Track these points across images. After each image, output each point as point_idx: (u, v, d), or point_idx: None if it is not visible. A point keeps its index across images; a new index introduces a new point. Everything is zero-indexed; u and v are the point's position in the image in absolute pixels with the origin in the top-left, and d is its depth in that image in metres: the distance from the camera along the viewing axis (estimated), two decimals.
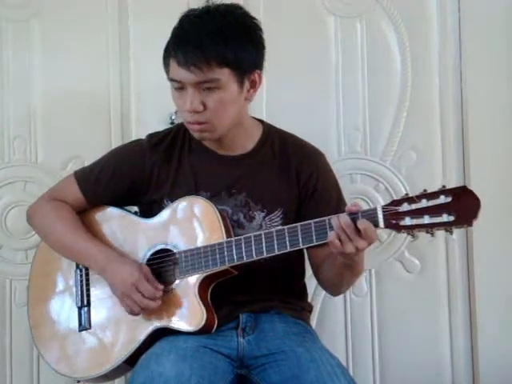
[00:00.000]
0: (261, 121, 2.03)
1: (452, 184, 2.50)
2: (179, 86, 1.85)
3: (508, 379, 2.52)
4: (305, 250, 1.97)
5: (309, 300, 2.09)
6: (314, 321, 2.39)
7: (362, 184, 2.58)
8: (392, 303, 2.58)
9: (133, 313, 1.85)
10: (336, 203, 1.95)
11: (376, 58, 2.58)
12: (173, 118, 2.48)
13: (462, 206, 1.62)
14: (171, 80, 1.86)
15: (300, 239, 1.75)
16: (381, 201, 2.57)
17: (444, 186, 1.65)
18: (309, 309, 2.06)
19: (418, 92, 2.58)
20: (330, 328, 2.54)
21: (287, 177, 1.96)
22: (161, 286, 1.85)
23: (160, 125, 2.36)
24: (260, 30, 1.89)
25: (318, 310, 2.51)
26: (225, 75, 1.82)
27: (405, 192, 2.54)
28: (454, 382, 2.58)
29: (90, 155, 2.20)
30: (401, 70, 2.58)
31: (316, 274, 1.98)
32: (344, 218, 1.69)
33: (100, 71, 2.53)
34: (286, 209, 1.93)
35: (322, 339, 1.98)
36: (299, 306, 2.01)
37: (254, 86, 1.89)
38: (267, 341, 1.86)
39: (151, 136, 2.03)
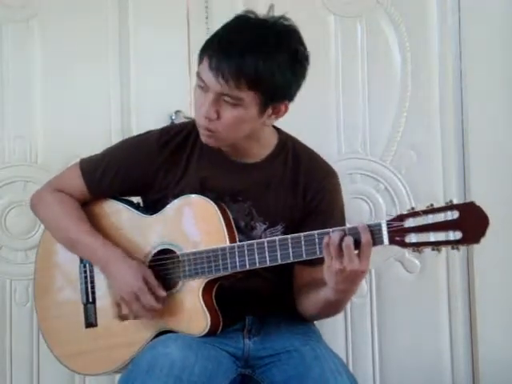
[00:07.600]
0: (277, 128, 1.94)
1: (452, 185, 2.57)
2: (202, 86, 1.76)
3: (508, 380, 2.52)
4: None
5: None
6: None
7: (362, 184, 2.58)
8: (392, 303, 2.58)
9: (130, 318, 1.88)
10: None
11: (376, 58, 2.58)
12: (173, 118, 2.48)
13: (469, 223, 1.55)
14: (198, 76, 1.77)
15: (303, 250, 1.71)
16: (381, 201, 2.57)
17: (451, 201, 1.58)
18: None
19: (417, 92, 2.58)
20: (330, 328, 2.53)
21: (295, 192, 1.90)
22: (164, 293, 1.82)
23: (160, 125, 2.34)
24: (307, 60, 1.80)
25: None
26: (250, 97, 1.73)
27: (405, 192, 2.57)
28: (454, 382, 2.58)
29: None
30: (401, 70, 2.58)
31: (296, 297, 1.92)
32: (348, 239, 1.64)
33: (100, 71, 2.53)
34: (288, 224, 1.88)
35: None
36: None
37: (276, 113, 1.80)
38: (272, 341, 1.86)
39: (162, 133, 1.96)
